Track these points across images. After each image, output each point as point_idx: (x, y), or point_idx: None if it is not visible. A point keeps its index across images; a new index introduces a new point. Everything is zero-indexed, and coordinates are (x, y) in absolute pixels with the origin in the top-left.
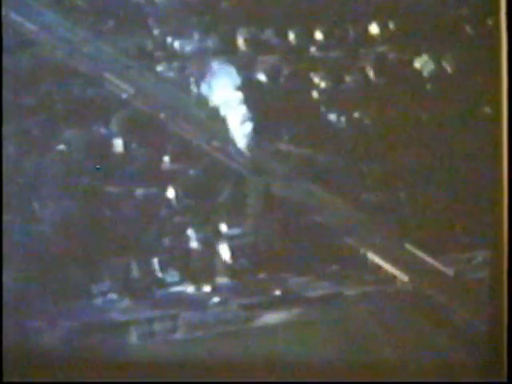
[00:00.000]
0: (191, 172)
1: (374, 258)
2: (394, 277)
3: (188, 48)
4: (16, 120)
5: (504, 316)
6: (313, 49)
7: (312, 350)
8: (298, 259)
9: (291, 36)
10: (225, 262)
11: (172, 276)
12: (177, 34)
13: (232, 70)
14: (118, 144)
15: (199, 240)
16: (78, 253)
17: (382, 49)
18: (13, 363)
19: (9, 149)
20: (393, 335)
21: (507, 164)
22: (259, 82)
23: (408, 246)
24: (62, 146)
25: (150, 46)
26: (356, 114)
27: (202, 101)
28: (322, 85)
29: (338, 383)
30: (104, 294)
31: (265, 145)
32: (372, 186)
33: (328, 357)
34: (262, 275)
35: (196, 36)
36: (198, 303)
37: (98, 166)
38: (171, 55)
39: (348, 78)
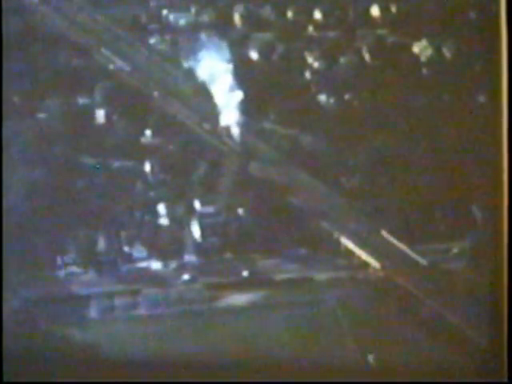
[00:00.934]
0: (170, 147)
1: (347, 243)
2: (366, 263)
3: (182, 21)
4: None
5: (504, 316)
6: (310, 28)
7: (274, 334)
8: (268, 241)
9: (289, 14)
10: (194, 240)
11: (139, 251)
12: (173, 7)
13: (224, 46)
14: (100, 115)
15: (170, 216)
16: (44, 222)
17: (381, 31)
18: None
19: None
20: (359, 323)
21: (507, 156)
22: (251, 60)
23: (384, 233)
24: (42, 114)
25: (144, 18)
26: (347, 97)
27: (190, 75)
28: (316, 65)
29: (334, 383)
30: (68, 265)
31: (250, 123)
32: (353, 170)
33: (288, 340)
34: (230, 255)
35: (192, 10)
36: (162, 280)
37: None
38: (165, 28)
39: (343, 60)
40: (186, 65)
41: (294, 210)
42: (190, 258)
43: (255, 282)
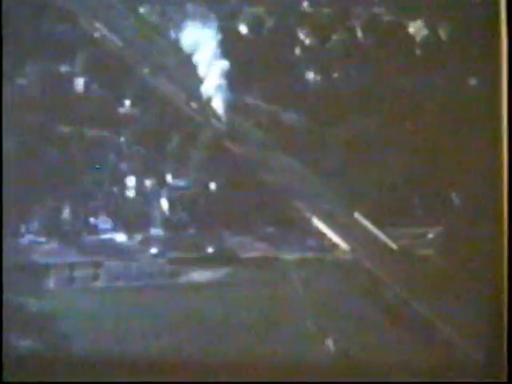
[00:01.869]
0: (146, 118)
1: (318, 223)
2: (335, 245)
3: None
4: None
5: (504, 316)
6: (305, 3)
7: (233, 313)
8: (238, 217)
9: None
10: (162, 214)
11: (104, 222)
12: None
13: (213, 18)
14: (79, 83)
15: (138, 189)
16: (11, 190)
17: (377, 10)
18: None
19: None
20: (321, 306)
21: (507, 147)
22: (239, 33)
23: (357, 215)
24: (21, 80)
25: None
26: (335, 75)
27: (177, 47)
28: (307, 42)
29: (336, 383)
30: (32, 234)
31: (232, 97)
32: (332, 150)
33: (248, 320)
34: (196, 230)
35: None
36: (126, 253)
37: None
38: None
39: (335, 37)
40: (173, 36)
41: (266, 187)
42: (156, 231)
43: (220, 258)
